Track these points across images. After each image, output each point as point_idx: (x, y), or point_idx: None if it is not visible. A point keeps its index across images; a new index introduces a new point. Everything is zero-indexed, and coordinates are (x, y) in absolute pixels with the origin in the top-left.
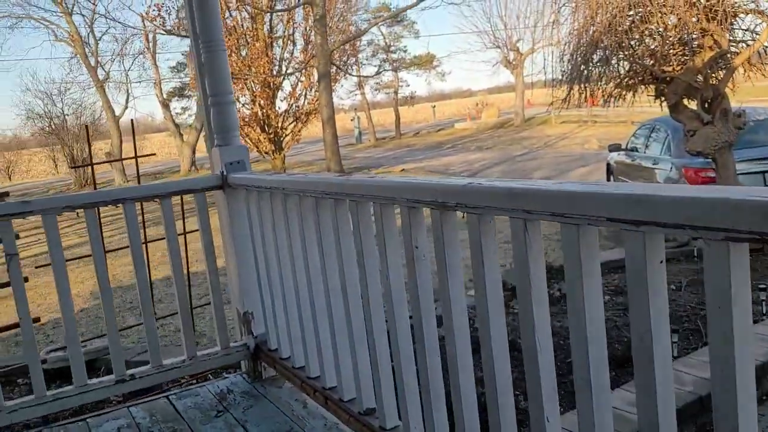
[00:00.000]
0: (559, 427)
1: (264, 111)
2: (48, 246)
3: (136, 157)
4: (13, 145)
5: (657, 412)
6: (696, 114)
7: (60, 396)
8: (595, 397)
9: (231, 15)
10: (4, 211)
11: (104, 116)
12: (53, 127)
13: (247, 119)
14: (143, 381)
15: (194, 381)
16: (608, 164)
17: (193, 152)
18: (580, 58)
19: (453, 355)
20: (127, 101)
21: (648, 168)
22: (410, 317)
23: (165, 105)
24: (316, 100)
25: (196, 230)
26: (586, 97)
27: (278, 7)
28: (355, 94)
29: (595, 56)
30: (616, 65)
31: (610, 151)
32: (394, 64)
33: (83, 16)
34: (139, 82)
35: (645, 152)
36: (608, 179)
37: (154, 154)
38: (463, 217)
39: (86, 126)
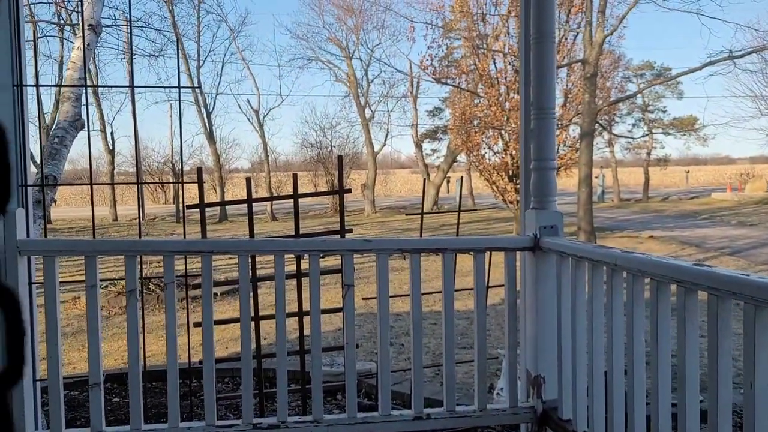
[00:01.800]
0: None
1: (515, 161)
2: (377, 281)
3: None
4: (283, 167)
5: None
6: None
7: (368, 420)
8: None
9: (496, 67)
10: (350, 247)
11: (364, 151)
12: (321, 156)
13: (497, 167)
14: (436, 422)
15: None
16: None
17: (437, 192)
18: None
19: None
20: (385, 139)
21: None
22: None
23: (418, 145)
24: (568, 155)
25: (499, 285)
26: None
27: None
28: (603, 151)
29: None
30: None
31: None
32: (651, 125)
33: (361, 60)
34: (397, 123)
35: None
36: None
37: (475, 210)
38: None
39: (340, 156)
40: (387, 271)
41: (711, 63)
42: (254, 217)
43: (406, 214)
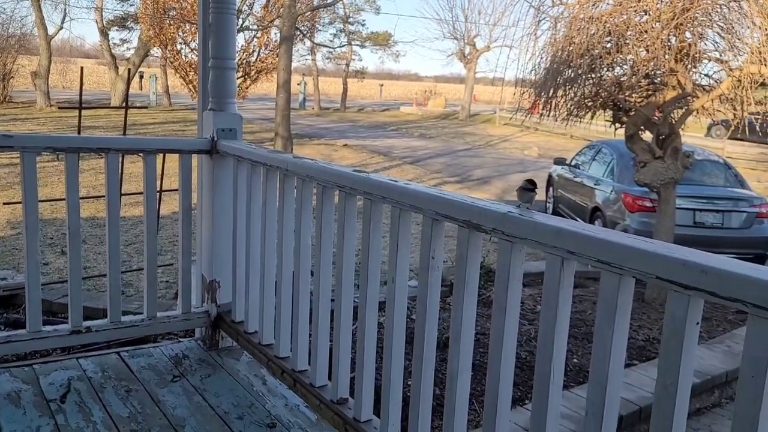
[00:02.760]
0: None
1: None
2: (23, 185)
3: (126, 107)
4: None
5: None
6: (649, 147)
7: (12, 339)
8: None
9: None
10: None
11: (36, 33)
12: None
13: (194, 65)
14: (99, 335)
15: (146, 341)
16: (550, 176)
17: (128, 88)
18: (551, 73)
19: (454, 370)
20: (62, 21)
21: (589, 187)
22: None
23: (104, 33)
24: (269, 59)
25: (174, 190)
26: (549, 109)
27: None
28: (306, 59)
29: (565, 74)
30: (582, 86)
31: (555, 163)
32: (350, 37)
33: None
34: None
35: (588, 171)
36: (547, 191)
37: (146, 107)
38: (491, 239)
39: None
40: (35, 173)
41: None
42: None
43: (59, 107)
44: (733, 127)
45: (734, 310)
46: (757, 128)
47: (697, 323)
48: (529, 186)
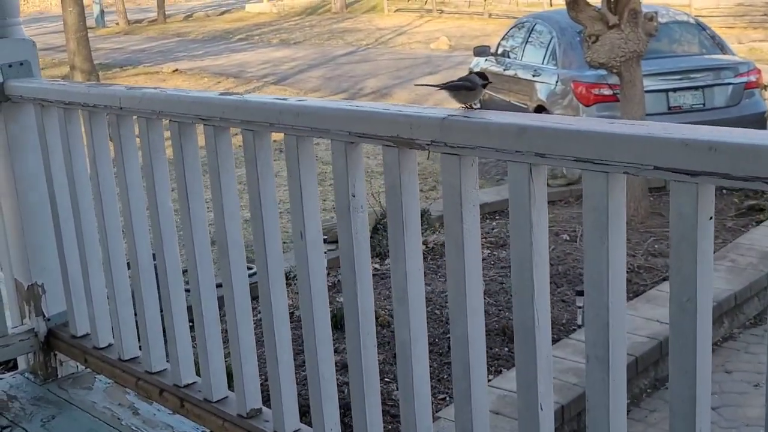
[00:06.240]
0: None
1: None
2: None
3: None
4: None
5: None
6: (600, 14)
7: None
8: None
9: None
10: None
11: None
12: None
13: None
14: None
15: None
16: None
17: None
18: None
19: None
20: None
21: (526, 80)
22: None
23: None
24: None
25: None
26: None
27: None
28: None
29: None
30: None
31: (476, 55)
32: None
33: None
34: None
35: (522, 59)
36: None
37: None
38: (428, 157)
39: None
40: None
41: None
42: None
43: None
44: None
45: (733, 213)
46: None
47: (711, 218)
48: (469, 82)
